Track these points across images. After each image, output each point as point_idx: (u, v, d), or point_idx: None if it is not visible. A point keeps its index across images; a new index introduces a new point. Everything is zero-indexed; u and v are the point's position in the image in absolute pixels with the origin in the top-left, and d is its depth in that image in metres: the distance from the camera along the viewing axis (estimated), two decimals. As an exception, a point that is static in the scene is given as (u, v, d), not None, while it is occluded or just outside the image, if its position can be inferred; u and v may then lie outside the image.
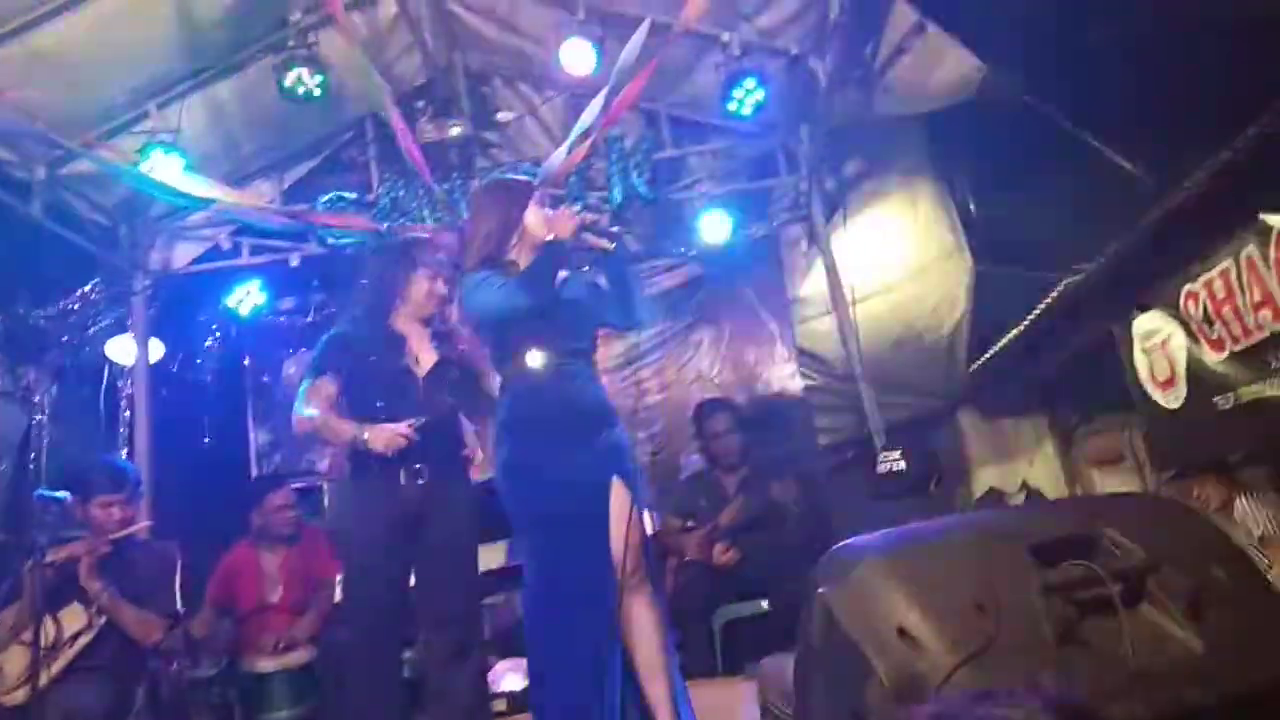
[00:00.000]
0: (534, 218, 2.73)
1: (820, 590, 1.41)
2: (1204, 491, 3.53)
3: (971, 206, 4.92)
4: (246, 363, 5.46)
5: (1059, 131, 3.88)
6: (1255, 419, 3.16)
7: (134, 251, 4.66)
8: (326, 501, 4.67)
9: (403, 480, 2.86)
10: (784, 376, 5.41)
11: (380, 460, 2.84)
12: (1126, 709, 1.15)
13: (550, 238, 2.65)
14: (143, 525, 3.25)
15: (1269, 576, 3.15)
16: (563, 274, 2.73)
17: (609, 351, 5.28)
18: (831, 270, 4.90)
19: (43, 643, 2.80)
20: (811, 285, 5.27)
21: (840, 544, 1.48)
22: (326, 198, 4.51)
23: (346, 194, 4.54)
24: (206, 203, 4.31)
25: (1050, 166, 4.19)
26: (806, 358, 5.30)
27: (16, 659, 2.86)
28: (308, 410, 2.93)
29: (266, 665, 3.57)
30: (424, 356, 3.00)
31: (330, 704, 3.12)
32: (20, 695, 2.80)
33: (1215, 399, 3.37)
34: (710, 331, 5.57)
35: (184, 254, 4.83)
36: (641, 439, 5.39)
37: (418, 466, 2.86)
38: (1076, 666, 1.19)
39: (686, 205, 5.02)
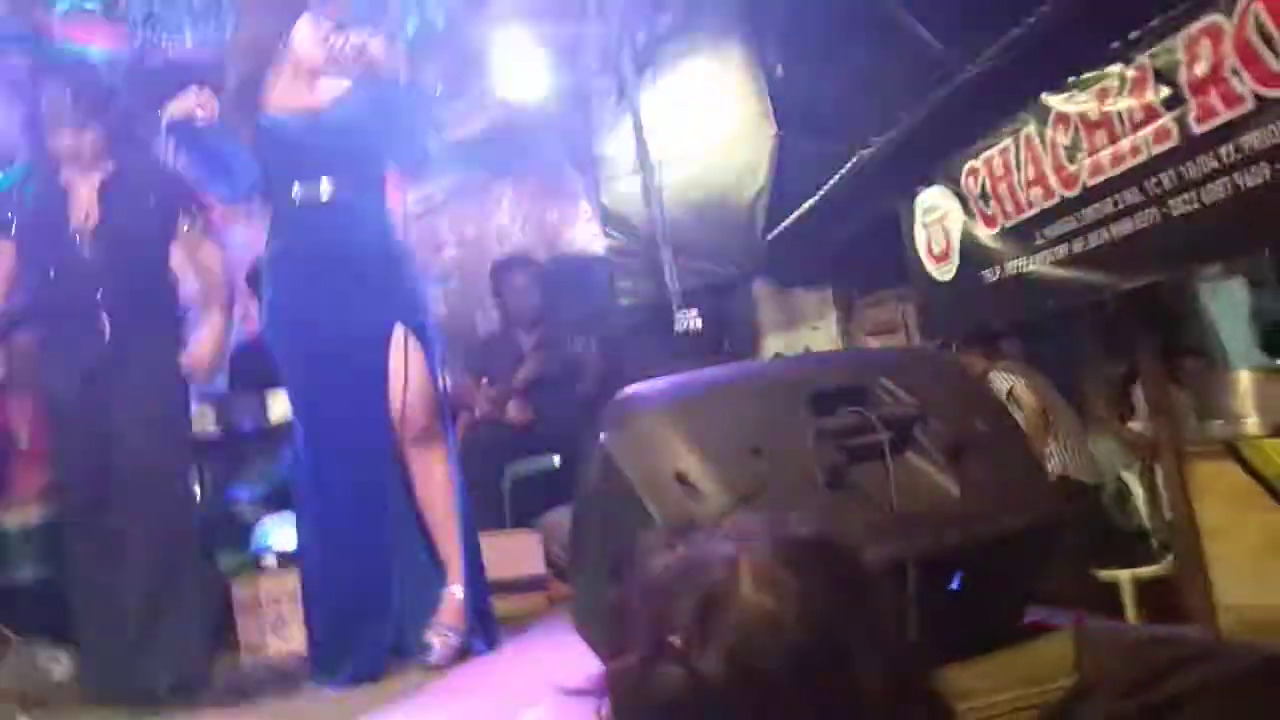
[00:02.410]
0: (305, 37, 2.44)
1: (601, 436, 1.37)
2: (968, 361, 3.79)
3: (779, 72, 4.90)
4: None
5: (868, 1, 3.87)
6: (1017, 292, 3.38)
7: None
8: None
9: (83, 332, 2.60)
10: (587, 236, 5.31)
11: (57, 311, 2.59)
12: (887, 548, 1.18)
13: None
14: None
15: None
16: (336, 92, 2.48)
17: (399, 201, 4.97)
18: (639, 130, 4.77)
19: None
20: (619, 144, 5.13)
21: (623, 392, 1.44)
22: (64, 2, 3.86)
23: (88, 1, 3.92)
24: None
25: (858, 36, 4.20)
26: (610, 218, 5.21)
27: None
28: None
29: (9, 520, 3.25)
30: (89, 211, 2.68)
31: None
32: None
33: (983, 272, 3.58)
34: (512, 185, 5.35)
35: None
36: (437, 295, 5.19)
37: (100, 317, 2.59)
38: (843, 509, 1.21)
39: (489, 44, 4.70)
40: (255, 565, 3.09)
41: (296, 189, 2.43)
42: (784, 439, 1.29)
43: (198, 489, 3.77)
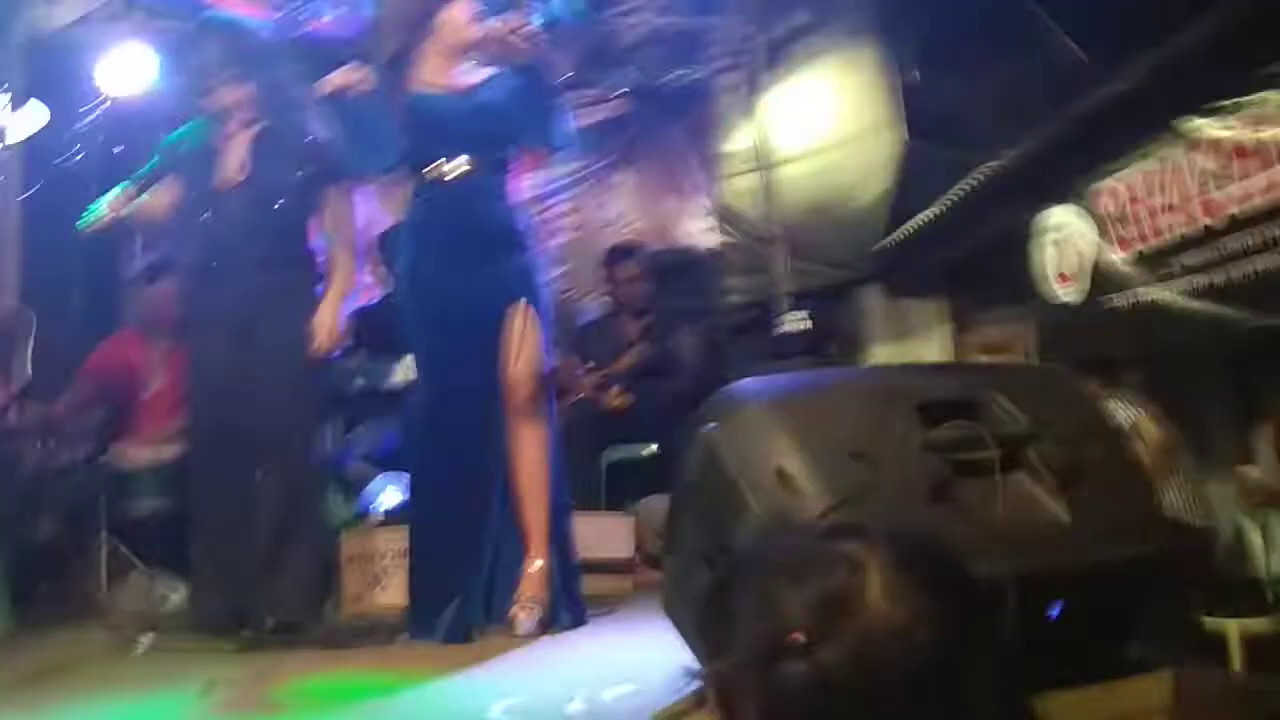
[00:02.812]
0: (459, 13, 2.54)
1: (704, 427, 1.39)
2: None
3: (913, 77, 4.81)
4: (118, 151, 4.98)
5: (1011, 8, 3.77)
6: (1145, 320, 3.25)
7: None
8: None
9: (227, 284, 2.71)
10: (700, 230, 5.32)
11: (204, 258, 2.71)
12: (987, 566, 1.16)
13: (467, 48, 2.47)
14: None
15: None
16: (484, 73, 2.58)
17: (523, 183, 5.07)
18: (763, 126, 4.76)
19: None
20: (742, 139, 5.13)
21: (730, 384, 1.45)
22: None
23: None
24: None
25: (998, 42, 4.09)
26: (726, 213, 5.21)
27: None
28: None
29: (136, 456, 3.47)
30: (242, 165, 2.82)
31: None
32: None
33: (1112, 297, 3.45)
34: (631, 174, 5.41)
35: (65, 11, 4.37)
36: (549, 276, 5.28)
37: (245, 270, 2.71)
38: (945, 521, 1.20)
39: (622, 34, 4.75)
40: (363, 521, 3.22)
41: (437, 164, 2.53)
42: (889, 446, 1.28)
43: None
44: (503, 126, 2.58)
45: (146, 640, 2.67)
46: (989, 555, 1.19)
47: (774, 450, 1.27)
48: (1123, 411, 3.40)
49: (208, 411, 2.83)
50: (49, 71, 4.47)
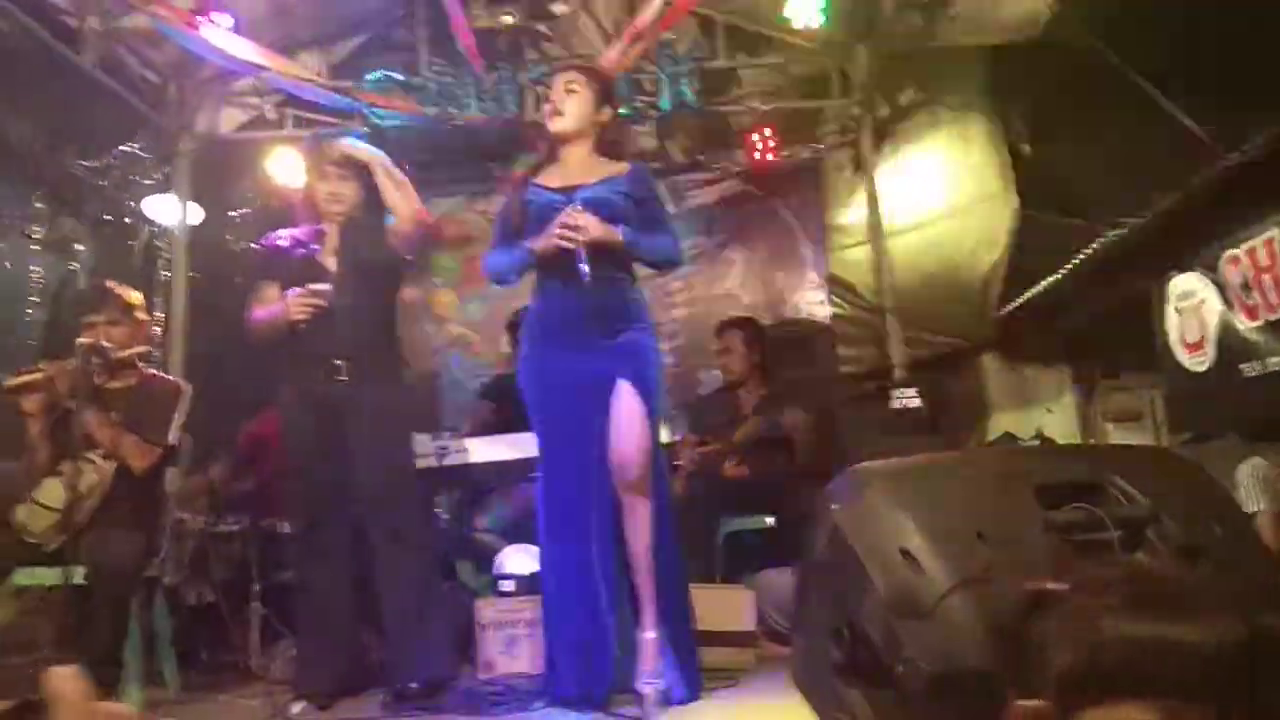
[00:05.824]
0: None
1: (831, 506, 1.47)
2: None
3: (1023, 148, 4.83)
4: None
5: (1123, 81, 3.78)
6: (1277, 388, 3.17)
7: (181, 112, 4.67)
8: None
9: (321, 379, 2.84)
10: (812, 302, 5.41)
11: (301, 358, 2.85)
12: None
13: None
14: (137, 349, 3.09)
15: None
16: (609, 168, 2.75)
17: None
18: (873, 200, 4.85)
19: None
20: (851, 213, 5.22)
21: (855, 465, 1.53)
22: (373, 75, 4.47)
23: (394, 74, 4.50)
24: (254, 69, 4.30)
25: (1108, 116, 4.09)
26: (837, 286, 5.29)
27: (41, 513, 2.89)
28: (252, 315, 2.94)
29: (286, 526, 3.65)
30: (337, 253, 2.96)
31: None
32: (53, 545, 2.84)
33: (1241, 366, 3.37)
34: (744, 251, 5.55)
35: (229, 120, 4.84)
36: (664, 351, 5.43)
37: (336, 364, 2.84)
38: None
39: (734, 119, 4.94)
40: (496, 588, 3.35)
41: (549, 258, 2.67)
42: (1011, 527, 1.34)
43: (446, 516, 4.14)
44: (611, 219, 2.64)
45: (299, 707, 2.78)
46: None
47: (897, 530, 1.34)
48: (1248, 499, 3.28)
49: (306, 505, 2.94)
50: (216, 169, 4.93)
